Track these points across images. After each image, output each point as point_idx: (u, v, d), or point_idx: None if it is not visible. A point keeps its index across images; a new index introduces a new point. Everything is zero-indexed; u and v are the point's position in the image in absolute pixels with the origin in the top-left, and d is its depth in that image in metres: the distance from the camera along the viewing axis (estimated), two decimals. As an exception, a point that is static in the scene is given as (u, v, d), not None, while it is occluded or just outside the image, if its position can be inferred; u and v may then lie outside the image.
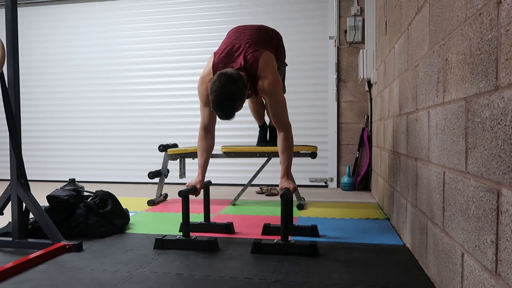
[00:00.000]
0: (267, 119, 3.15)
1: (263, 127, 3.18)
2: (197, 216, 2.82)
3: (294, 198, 3.20)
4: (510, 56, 0.90)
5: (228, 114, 1.87)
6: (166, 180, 4.51)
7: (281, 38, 2.41)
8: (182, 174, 3.56)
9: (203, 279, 1.62)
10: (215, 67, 2.07)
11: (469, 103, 1.16)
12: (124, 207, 2.60)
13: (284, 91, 2.43)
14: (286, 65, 2.56)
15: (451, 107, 1.33)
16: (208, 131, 2.24)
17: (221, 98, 1.84)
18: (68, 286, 1.55)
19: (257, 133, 3.24)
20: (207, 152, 2.25)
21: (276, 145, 3.09)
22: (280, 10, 4.48)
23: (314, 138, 4.41)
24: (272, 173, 4.36)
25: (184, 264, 1.81)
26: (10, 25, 2.01)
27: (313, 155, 3.10)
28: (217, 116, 2.06)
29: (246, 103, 2.68)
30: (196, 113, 4.66)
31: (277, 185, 4.26)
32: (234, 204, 3.34)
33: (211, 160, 3.96)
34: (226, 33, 2.40)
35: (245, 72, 2.02)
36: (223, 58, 2.09)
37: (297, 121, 4.42)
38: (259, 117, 3.09)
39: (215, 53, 2.17)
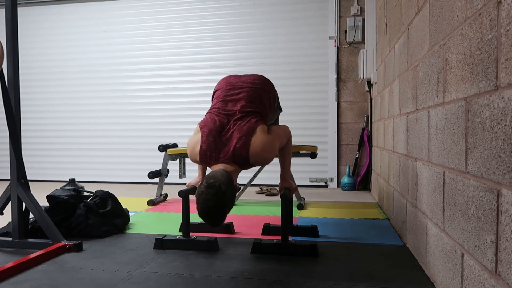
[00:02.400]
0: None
1: None
2: (197, 216, 2.82)
3: (294, 198, 3.20)
4: (510, 56, 0.90)
5: (216, 224, 1.74)
6: (166, 180, 4.51)
7: (272, 87, 2.20)
8: (182, 174, 3.56)
9: (203, 279, 1.62)
10: (203, 153, 1.90)
11: (469, 103, 1.16)
12: (124, 207, 2.60)
13: (274, 142, 2.13)
14: (281, 110, 2.41)
15: (451, 107, 1.33)
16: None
17: (208, 212, 1.70)
18: (68, 286, 1.55)
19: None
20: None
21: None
22: (280, 10, 4.48)
23: (314, 138, 4.41)
24: (272, 173, 4.36)
25: (184, 264, 1.81)
26: (10, 25, 2.01)
27: (313, 155, 3.10)
28: None
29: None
30: (195, 113, 4.66)
31: (277, 185, 4.26)
32: (234, 204, 3.33)
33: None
34: (214, 91, 2.17)
35: (234, 163, 1.87)
36: (210, 145, 1.88)
37: (297, 121, 4.42)
38: None
39: (201, 129, 1.94)
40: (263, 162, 1.93)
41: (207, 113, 2.03)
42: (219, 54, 4.61)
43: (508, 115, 0.91)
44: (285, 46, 4.44)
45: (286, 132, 2.08)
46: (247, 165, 1.91)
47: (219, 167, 1.84)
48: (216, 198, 1.67)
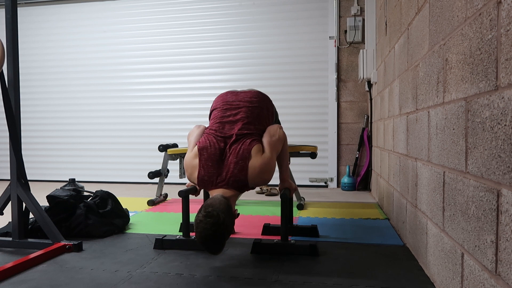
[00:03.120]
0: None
1: None
2: (197, 216, 2.82)
3: (294, 198, 3.20)
4: (510, 56, 0.90)
5: (215, 252, 1.75)
6: (166, 180, 4.51)
7: (270, 102, 2.19)
8: (182, 174, 3.56)
9: (203, 279, 1.62)
10: (201, 178, 1.91)
11: (469, 103, 1.16)
12: (124, 207, 2.60)
13: (271, 163, 2.10)
14: (279, 123, 2.40)
15: (451, 107, 1.33)
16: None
17: (207, 241, 1.70)
18: (68, 286, 1.55)
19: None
20: None
21: None
22: (280, 10, 4.48)
23: (314, 138, 4.42)
24: (272, 173, 4.36)
25: (184, 264, 1.81)
26: (10, 25, 2.01)
27: (313, 155, 3.10)
28: None
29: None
30: (195, 113, 4.67)
31: (277, 185, 4.26)
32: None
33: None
34: (211, 108, 2.16)
35: (233, 188, 1.88)
36: (209, 170, 1.89)
37: (297, 121, 4.43)
38: None
39: (200, 152, 1.93)
40: (263, 183, 1.93)
41: (204, 133, 2.02)
42: (219, 54, 4.61)
43: (508, 115, 0.91)
44: (285, 46, 4.45)
45: (280, 138, 2.03)
46: (246, 189, 1.91)
47: (217, 192, 1.85)
48: (214, 227, 1.66)
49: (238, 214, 1.91)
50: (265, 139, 1.99)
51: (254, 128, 2.00)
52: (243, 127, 1.98)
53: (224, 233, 1.70)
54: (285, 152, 2.12)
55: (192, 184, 2.19)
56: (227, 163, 1.89)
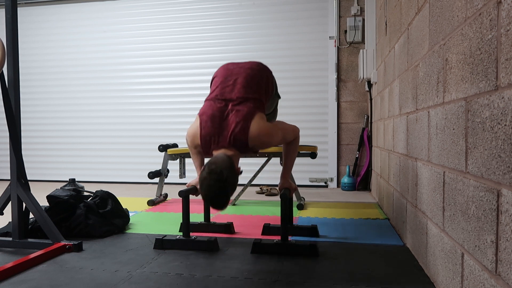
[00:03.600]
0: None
1: None
2: (197, 216, 2.82)
3: (294, 198, 3.20)
4: (510, 56, 0.90)
5: (220, 207, 1.80)
6: (166, 180, 4.51)
7: (270, 73, 2.22)
8: (182, 174, 3.56)
9: (203, 279, 1.62)
10: (203, 139, 1.94)
11: (469, 103, 1.16)
12: (124, 207, 2.60)
13: (275, 129, 2.19)
14: (279, 97, 2.42)
15: (451, 107, 1.33)
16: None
17: (212, 196, 1.76)
18: (68, 286, 1.55)
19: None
20: (201, 153, 2.24)
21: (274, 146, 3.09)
22: (280, 10, 4.48)
23: (314, 138, 4.42)
24: (272, 173, 4.36)
25: (184, 264, 1.81)
26: (10, 25, 2.01)
27: (313, 155, 3.10)
28: None
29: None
30: (196, 113, 4.66)
31: (277, 185, 4.26)
32: (234, 204, 3.34)
33: (211, 160, 3.95)
34: (213, 76, 2.20)
35: (234, 148, 1.91)
36: (210, 130, 1.93)
37: (297, 121, 4.42)
38: None
39: (200, 118, 1.98)
40: (262, 145, 1.96)
41: (205, 100, 2.06)
42: (219, 54, 4.61)
43: (508, 115, 0.91)
44: (285, 46, 4.44)
45: (294, 130, 2.11)
46: (246, 149, 1.94)
47: (220, 152, 1.89)
48: (218, 183, 1.72)
49: (241, 171, 1.95)
50: (279, 122, 2.06)
51: (254, 93, 2.03)
52: (243, 90, 2.01)
53: (228, 189, 1.75)
54: (293, 149, 2.14)
55: (192, 184, 2.19)
56: (229, 123, 1.92)
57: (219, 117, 1.94)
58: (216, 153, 1.90)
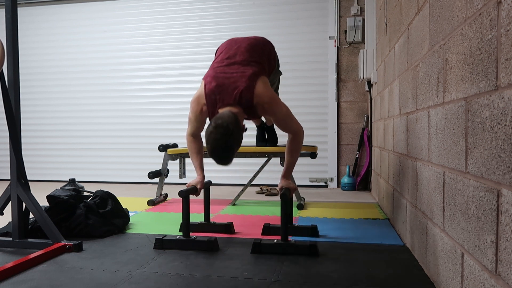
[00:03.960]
0: (263, 118, 3.15)
1: (260, 126, 3.18)
2: (197, 216, 2.82)
3: (294, 198, 3.20)
4: (510, 56, 0.90)
5: (225, 162, 1.85)
6: (166, 180, 4.51)
7: (273, 47, 2.30)
8: (182, 174, 3.56)
9: (203, 279, 1.62)
10: (208, 97, 2.00)
11: (469, 103, 1.16)
12: (124, 207, 2.60)
13: (279, 99, 2.39)
14: (281, 73, 2.50)
15: (451, 107, 1.33)
16: (196, 136, 2.22)
17: (218, 151, 1.81)
18: (68, 286, 1.55)
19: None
20: (200, 153, 2.26)
21: (274, 146, 3.10)
22: (280, 10, 4.48)
23: (314, 138, 4.41)
24: (272, 173, 4.36)
25: (184, 264, 1.81)
26: (10, 25, 2.01)
27: (313, 155, 3.10)
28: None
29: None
30: (196, 113, 4.66)
31: (277, 185, 4.25)
32: (234, 204, 3.34)
33: (211, 160, 3.95)
34: (216, 51, 2.29)
35: (240, 106, 1.96)
36: (214, 88, 1.98)
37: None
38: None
39: (205, 80, 2.04)
40: (265, 107, 2.00)
41: (210, 67, 2.12)
42: (219, 54, 4.61)
43: (508, 115, 0.91)
44: (285, 46, 4.44)
45: (298, 124, 2.19)
46: (250, 108, 1.98)
47: (225, 110, 1.95)
48: (224, 137, 1.78)
49: (246, 128, 2.01)
50: (290, 111, 2.14)
51: (258, 57, 2.10)
52: (247, 54, 2.08)
53: (233, 143, 1.82)
54: (296, 147, 2.16)
55: (192, 184, 2.19)
56: (234, 81, 1.98)
57: (224, 77, 2.00)
58: (221, 111, 1.95)
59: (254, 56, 2.09)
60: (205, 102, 2.01)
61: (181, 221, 2.12)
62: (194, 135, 2.22)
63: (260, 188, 4.08)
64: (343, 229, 2.45)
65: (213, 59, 2.24)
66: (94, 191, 2.57)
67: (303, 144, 3.19)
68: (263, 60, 2.12)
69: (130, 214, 2.85)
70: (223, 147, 1.79)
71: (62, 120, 5.07)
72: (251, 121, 3.39)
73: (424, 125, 1.70)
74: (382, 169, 3.14)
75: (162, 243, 2.05)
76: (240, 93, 1.94)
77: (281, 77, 2.67)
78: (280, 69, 2.45)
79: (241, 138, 1.90)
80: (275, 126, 2.90)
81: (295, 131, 2.14)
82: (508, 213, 0.91)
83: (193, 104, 2.09)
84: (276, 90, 2.57)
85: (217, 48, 2.30)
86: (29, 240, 2.06)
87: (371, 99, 4.01)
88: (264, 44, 2.23)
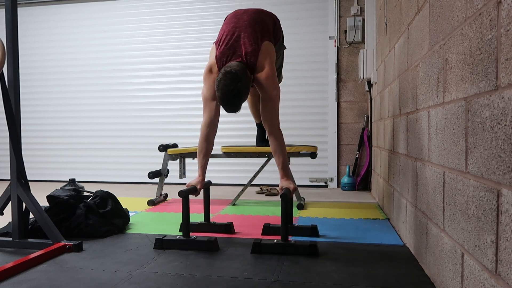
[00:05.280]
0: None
1: (260, 124, 3.18)
2: (197, 216, 2.82)
3: (294, 198, 3.20)
4: (510, 56, 0.90)
5: (234, 109, 2.00)
6: (166, 180, 4.51)
7: (278, 20, 2.43)
8: (182, 174, 3.56)
9: (203, 279, 1.62)
10: (218, 60, 2.13)
11: (469, 103, 1.16)
12: (124, 207, 2.60)
13: (280, 80, 2.49)
14: (285, 48, 2.61)
15: (451, 107, 1.33)
16: (212, 127, 2.23)
17: (228, 95, 1.94)
18: (68, 286, 1.55)
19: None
20: (207, 155, 2.27)
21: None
22: (280, 10, 4.48)
23: (314, 138, 4.42)
24: (272, 173, 4.36)
25: (184, 264, 1.81)
26: (10, 25, 2.01)
27: (313, 155, 3.10)
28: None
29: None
30: (195, 113, 4.66)
31: (277, 185, 4.26)
32: (234, 204, 3.34)
33: (211, 160, 3.96)
34: (224, 18, 2.41)
35: (245, 65, 2.09)
36: (224, 50, 2.12)
37: (297, 121, 4.43)
38: (257, 112, 3.08)
39: (216, 44, 2.19)
40: (262, 74, 2.11)
41: (219, 33, 2.26)
42: (219, 54, 4.61)
43: (508, 115, 0.91)
44: (285, 47, 4.43)
45: (278, 116, 2.25)
46: (252, 70, 2.11)
47: (232, 62, 2.09)
48: (233, 82, 1.93)
49: (253, 78, 2.14)
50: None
51: (263, 25, 2.23)
52: (253, 21, 2.21)
53: (241, 88, 1.95)
54: (280, 146, 2.17)
55: (192, 184, 2.19)
56: (242, 43, 2.12)
57: (233, 41, 2.14)
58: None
59: (261, 21, 2.22)
60: (217, 69, 2.13)
61: (181, 221, 2.12)
62: (212, 125, 2.22)
63: (260, 188, 4.08)
64: (343, 229, 2.45)
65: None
66: (94, 191, 2.57)
67: (303, 144, 3.19)
68: (268, 28, 2.25)
69: (130, 214, 2.85)
70: (233, 92, 1.92)
71: (62, 120, 5.07)
72: (251, 121, 3.39)
73: (424, 125, 1.70)
74: (382, 169, 3.14)
75: (162, 243, 2.05)
76: (246, 51, 2.08)
77: (283, 54, 2.73)
78: (284, 44, 2.56)
79: (249, 87, 2.04)
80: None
81: (272, 123, 2.17)
82: (508, 213, 0.91)
83: (205, 76, 2.21)
84: (280, 66, 2.69)
85: (225, 17, 2.44)
86: (29, 240, 2.06)
87: (371, 99, 4.01)
88: (270, 14, 2.36)
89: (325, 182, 4.41)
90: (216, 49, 2.16)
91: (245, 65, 2.09)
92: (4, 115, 5.11)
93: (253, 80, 2.15)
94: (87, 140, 5.00)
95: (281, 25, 2.48)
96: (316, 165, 4.42)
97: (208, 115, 2.21)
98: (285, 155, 2.18)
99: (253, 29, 2.16)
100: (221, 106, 2.10)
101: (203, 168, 2.25)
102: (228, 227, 2.36)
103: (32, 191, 2.09)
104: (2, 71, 1.93)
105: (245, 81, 1.98)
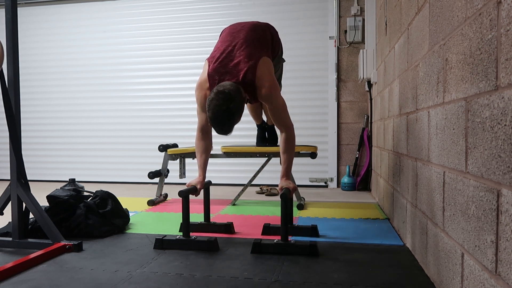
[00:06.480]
0: (264, 118, 3.15)
1: (261, 126, 3.18)
2: (197, 216, 2.82)
3: (294, 198, 3.20)
4: (510, 56, 0.90)
5: (225, 130, 1.86)
6: (166, 180, 4.51)
7: (276, 33, 2.33)
8: (182, 174, 3.56)
9: (203, 279, 1.62)
10: (211, 78, 2.00)
11: (469, 103, 1.16)
12: (124, 207, 2.60)
13: (279, 89, 2.45)
14: (284, 60, 2.53)
15: (451, 107, 1.33)
16: (205, 132, 2.24)
17: (219, 117, 1.81)
18: (68, 286, 1.55)
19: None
20: (206, 152, 2.26)
21: (275, 146, 3.10)
22: (280, 10, 4.48)
23: (314, 138, 4.41)
24: (272, 173, 4.36)
25: (184, 264, 1.81)
26: (10, 25, 2.01)
27: (313, 155, 3.10)
28: None
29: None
30: (196, 113, 4.66)
31: (277, 185, 4.26)
32: (234, 204, 3.34)
33: (211, 160, 3.96)
34: (220, 33, 2.33)
35: (242, 86, 1.97)
36: (218, 68, 2.00)
37: (297, 121, 4.42)
38: (256, 116, 3.09)
39: (209, 60, 2.07)
40: (263, 89, 2.00)
41: (213, 49, 2.15)
42: (219, 54, 4.61)
43: (508, 115, 0.91)
44: (285, 46, 4.41)
45: (290, 120, 2.15)
46: (252, 88, 1.98)
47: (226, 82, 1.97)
48: (225, 102, 1.79)
49: (248, 99, 2.02)
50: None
51: (259, 36, 2.12)
52: (249, 33, 2.11)
53: (234, 111, 1.82)
54: (290, 145, 2.15)
55: (192, 184, 2.19)
56: (237, 62, 1.99)
57: (229, 59, 2.01)
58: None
59: (258, 37, 2.11)
60: (208, 86, 2.02)
61: (181, 221, 2.12)
62: (204, 130, 2.22)
63: (260, 188, 4.08)
64: (343, 229, 2.45)
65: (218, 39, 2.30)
66: (94, 191, 2.57)
67: (303, 144, 3.19)
68: (266, 42, 2.15)
69: (130, 214, 2.85)
70: (226, 113, 1.79)
71: (62, 120, 5.07)
72: (251, 121, 3.39)
73: (424, 125, 1.70)
74: (382, 169, 3.14)
75: (162, 243, 2.05)
76: (242, 70, 1.95)
77: (283, 66, 2.70)
78: (283, 57, 2.49)
79: (243, 108, 1.91)
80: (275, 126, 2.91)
81: (287, 126, 2.15)
82: (508, 213, 0.91)
83: (196, 92, 2.11)
84: (279, 77, 2.59)
85: (221, 31, 2.34)
86: (29, 240, 2.06)
87: (371, 99, 4.01)
88: (267, 27, 2.26)
89: (325, 182, 4.41)
90: (209, 66, 2.05)
91: (242, 85, 1.97)
92: (4, 115, 5.11)
93: (255, 98, 2.07)
94: (87, 140, 5.00)
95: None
96: (316, 165, 4.42)
97: (200, 123, 2.23)
98: (293, 155, 2.19)
99: (250, 46, 2.05)
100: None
101: (203, 168, 2.25)
102: (228, 227, 2.36)
103: (32, 191, 2.09)
104: (2, 70, 1.93)
105: (238, 101, 1.85)
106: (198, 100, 2.13)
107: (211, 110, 1.81)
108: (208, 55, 2.15)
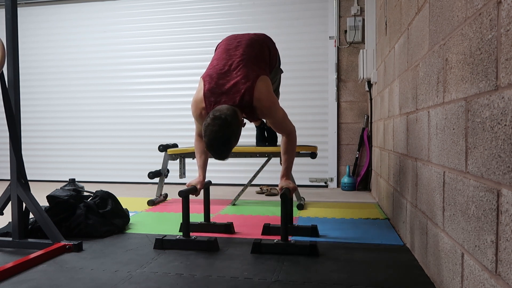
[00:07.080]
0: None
1: (260, 126, 3.18)
2: (197, 216, 2.82)
3: (294, 198, 3.20)
4: (510, 56, 0.90)
5: (223, 156, 1.81)
6: (166, 180, 4.51)
7: (273, 44, 2.26)
8: (182, 174, 3.56)
9: (203, 279, 1.62)
10: (207, 99, 1.94)
11: (469, 103, 1.16)
12: (124, 207, 2.60)
13: (277, 98, 2.38)
14: (282, 71, 2.47)
15: (451, 107, 1.33)
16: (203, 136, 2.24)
17: (215, 144, 1.77)
18: (68, 286, 1.55)
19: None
20: (205, 153, 2.26)
21: (274, 146, 3.10)
22: (280, 10, 4.48)
23: (314, 138, 4.42)
24: (272, 173, 4.36)
25: (184, 264, 1.81)
26: (10, 25, 2.01)
27: (313, 155, 3.10)
28: None
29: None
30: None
31: (277, 185, 4.26)
32: (234, 204, 3.34)
33: (211, 160, 3.96)
34: (216, 47, 2.25)
35: (239, 108, 1.92)
36: (213, 89, 1.93)
37: (297, 121, 4.42)
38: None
39: (204, 79, 1.99)
40: (263, 109, 1.96)
41: (208, 66, 2.09)
42: (219, 54, 4.60)
43: (508, 115, 0.91)
44: (285, 46, 4.44)
45: (291, 123, 2.13)
46: (250, 109, 1.94)
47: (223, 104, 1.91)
48: (222, 128, 1.74)
49: (245, 123, 1.96)
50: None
51: (257, 53, 2.05)
52: (246, 50, 2.04)
53: (231, 136, 1.77)
54: (291, 146, 2.14)
55: (192, 184, 2.19)
56: (234, 83, 1.92)
57: (225, 80, 1.94)
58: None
59: (255, 53, 2.05)
60: (204, 106, 1.96)
61: (181, 221, 2.12)
62: (201, 135, 2.22)
63: (260, 188, 4.08)
64: (343, 229, 2.45)
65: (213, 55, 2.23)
66: (94, 191, 2.57)
67: (303, 144, 3.19)
68: (263, 58, 2.08)
69: (130, 214, 2.85)
70: (221, 139, 1.75)
71: (62, 120, 5.07)
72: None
73: (424, 125, 1.70)
74: (382, 169, 3.14)
75: (162, 243, 2.05)
76: (242, 96, 1.89)
77: (281, 76, 2.67)
78: (281, 67, 2.45)
79: (240, 132, 1.85)
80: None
81: (289, 132, 2.14)
82: (508, 213, 0.91)
83: (192, 108, 2.06)
84: (277, 88, 2.55)
85: (217, 44, 2.27)
86: (29, 240, 2.06)
87: (371, 99, 4.01)
88: (264, 41, 2.19)
89: (325, 182, 4.41)
90: (204, 85, 1.96)
91: (239, 107, 1.91)
92: (4, 115, 5.11)
93: (253, 117, 2.03)
94: (87, 140, 5.00)
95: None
96: (316, 165, 4.42)
97: (197, 130, 2.23)
98: (293, 156, 2.19)
99: (247, 65, 1.97)
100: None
101: (203, 168, 2.25)
102: (228, 227, 2.36)
103: (32, 191, 2.09)
104: (2, 71, 1.93)
105: (235, 126, 1.79)
106: (194, 115, 2.08)
107: (207, 136, 1.76)
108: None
